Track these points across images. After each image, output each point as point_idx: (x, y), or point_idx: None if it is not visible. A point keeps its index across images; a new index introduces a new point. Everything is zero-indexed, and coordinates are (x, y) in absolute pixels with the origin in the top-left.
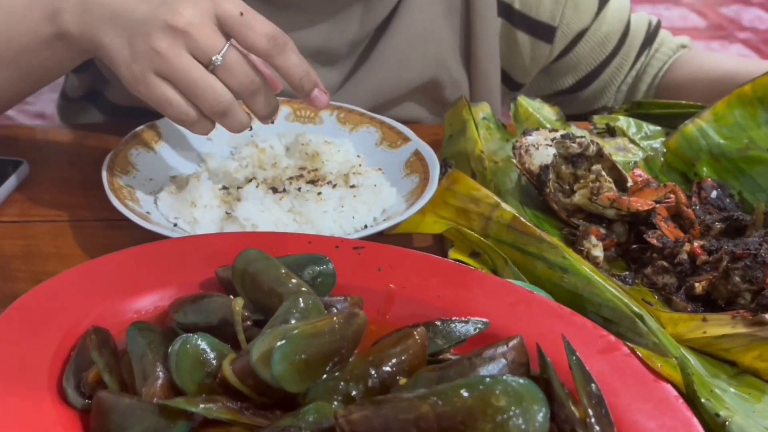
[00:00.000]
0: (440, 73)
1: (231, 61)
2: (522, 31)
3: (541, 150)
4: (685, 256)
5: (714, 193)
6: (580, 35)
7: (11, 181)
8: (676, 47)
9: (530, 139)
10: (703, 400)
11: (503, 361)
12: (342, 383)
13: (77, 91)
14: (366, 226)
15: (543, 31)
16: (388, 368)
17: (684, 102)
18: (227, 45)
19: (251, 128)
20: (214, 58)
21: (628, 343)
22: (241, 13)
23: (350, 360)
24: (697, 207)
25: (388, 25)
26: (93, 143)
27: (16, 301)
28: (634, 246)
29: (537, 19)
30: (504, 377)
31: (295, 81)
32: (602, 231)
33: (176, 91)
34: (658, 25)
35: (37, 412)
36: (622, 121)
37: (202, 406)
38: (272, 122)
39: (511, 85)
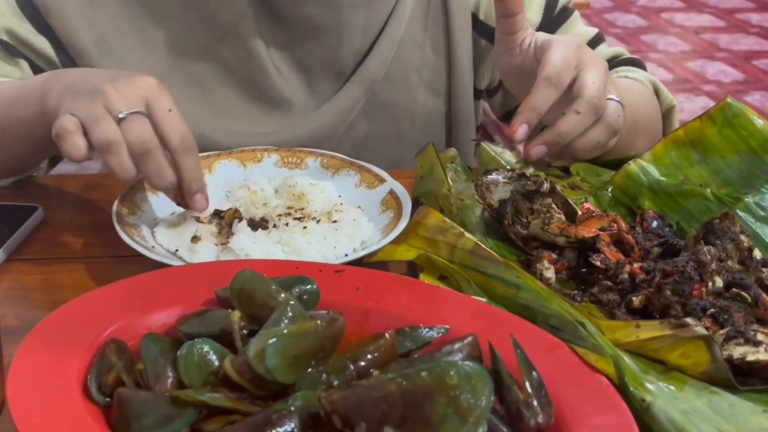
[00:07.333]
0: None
1: (133, 120)
2: (484, 39)
3: (500, 187)
4: (626, 276)
5: (655, 223)
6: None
7: (28, 225)
8: (642, 79)
9: (490, 177)
10: (631, 389)
11: (459, 354)
12: (325, 375)
13: None
14: (346, 255)
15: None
16: (363, 363)
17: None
18: (139, 110)
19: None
20: (121, 114)
21: (569, 344)
22: (170, 110)
23: (332, 357)
24: (640, 235)
25: (381, 33)
26: (100, 190)
27: (42, 320)
28: (583, 269)
29: (493, 26)
30: (457, 361)
31: (187, 181)
32: (554, 256)
33: (76, 127)
34: (630, 61)
35: (69, 408)
36: (576, 164)
37: (207, 395)
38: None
39: (475, 94)
